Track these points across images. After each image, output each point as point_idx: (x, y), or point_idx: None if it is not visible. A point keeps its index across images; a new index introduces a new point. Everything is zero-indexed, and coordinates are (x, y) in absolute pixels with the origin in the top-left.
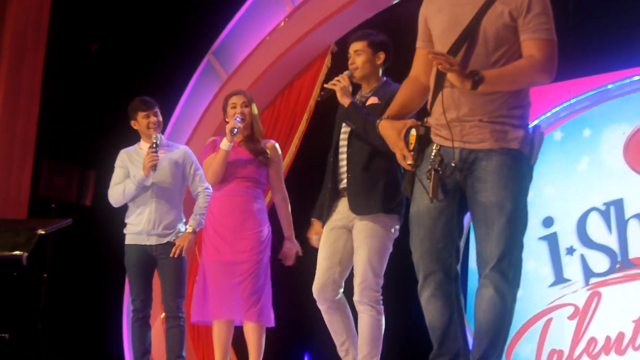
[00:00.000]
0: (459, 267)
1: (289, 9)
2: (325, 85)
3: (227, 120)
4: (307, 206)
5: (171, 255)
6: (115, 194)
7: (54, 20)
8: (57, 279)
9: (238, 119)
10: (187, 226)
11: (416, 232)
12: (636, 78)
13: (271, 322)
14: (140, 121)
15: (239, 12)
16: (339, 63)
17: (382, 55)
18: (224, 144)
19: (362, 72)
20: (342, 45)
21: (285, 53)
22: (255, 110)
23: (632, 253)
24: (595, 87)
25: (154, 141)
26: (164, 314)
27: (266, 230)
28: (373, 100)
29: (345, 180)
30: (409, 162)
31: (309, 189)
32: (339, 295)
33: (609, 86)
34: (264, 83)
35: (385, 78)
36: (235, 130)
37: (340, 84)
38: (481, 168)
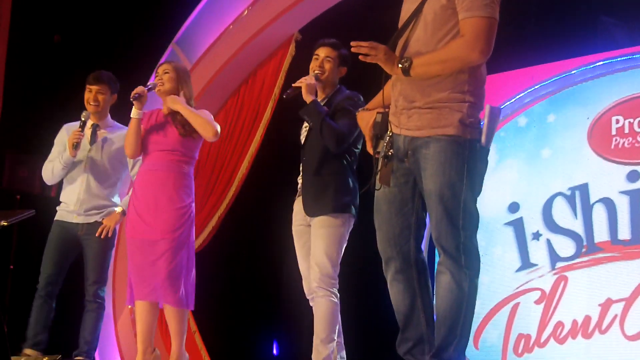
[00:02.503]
0: (424, 254)
1: None
2: (293, 85)
3: None
4: (272, 194)
5: (97, 234)
6: (46, 171)
7: (15, 11)
8: (23, 270)
9: (150, 86)
10: (117, 207)
11: (376, 218)
12: (600, 63)
13: (190, 305)
14: (85, 94)
15: (202, 0)
16: (303, 51)
17: (343, 71)
18: (133, 112)
19: (327, 78)
20: (306, 33)
21: (248, 42)
22: (186, 84)
23: (598, 237)
24: (559, 73)
25: (82, 119)
26: (129, 305)
27: (186, 208)
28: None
29: (300, 183)
30: (370, 148)
31: (275, 177)
32: None
33: (573, 72)
34: (228, 72)
35: (339, 86)
36: (137, 96)
37: (306, 81)
38: (422, 156)
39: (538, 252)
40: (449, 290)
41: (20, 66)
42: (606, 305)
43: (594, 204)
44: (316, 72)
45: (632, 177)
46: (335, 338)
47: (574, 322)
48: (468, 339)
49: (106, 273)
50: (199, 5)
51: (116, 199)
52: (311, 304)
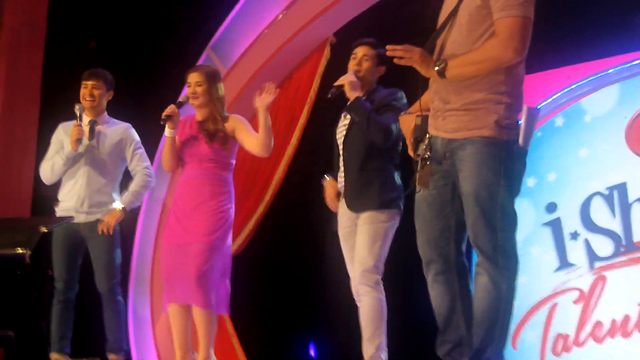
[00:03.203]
0: (464, 256)
1: (286, 2)
2: (335, 84)
3: None
4: (309, 198)
5: (99, 232)
6: (44, 170)
7: (51, 18)
8: None
9: (182, 102)
10: (117, 202)
11: (417, 220)
12: (636, 62)
13: (220, 309)
14: (80, 91)
15: (237, 6)
16: (338, 54)
17: (382, 70)
18: (166, 130)
19: (364, 77)
20: (341, 36)
21: (283, 46)
22: (217, 88)
23: (636, 236)
24: (596, 72)
25: (77, 113)
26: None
27: (223, 213)
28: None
29: (342, 182)
30: (412, 151)
31: (312, 181)
32: None
33: (610, 71)
34: (263, 76)
35: (376, 85)
36: (166, 118)
37: (349, 78)
38: (459, 158)
39: (576, 252)
40: (487, 292)
41: (56, 73)
42: None
43: (632, 203)
44: (354, 70)
45: None
46: (382, 336)
47: (613, 321)
48: (506, 340)
49: (117, 270)
50: (233, 10)
51: (116, 195)
52: (358, 304)
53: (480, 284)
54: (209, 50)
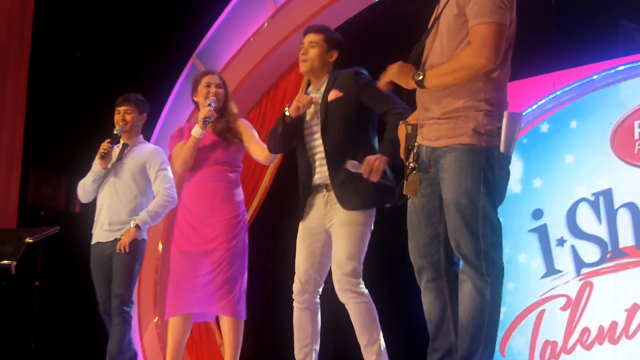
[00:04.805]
0: (455, 264)
1: (271, 10)
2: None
3: (195, 98)
4: (295, 207)
5: (117, 250)
6: (79, 188)
7: (36, 29)
8: (49, 286)
9: (212, 104)
10: (132, 220)
11: (408, 227)
12: (621, 68)
13: (242, 315)
14: (114, 117)
15: (222, 14)
16: None
17: (334, 54)
18: (196, 131)
19: (312, 65)
20: None
21: (269, 54)
22: (228, 91)
23: (623, 242)
24: (581, 79)
25: (115, 132)
26: (156, 318)
27: (240, 216)
28: (336, 94)
29: (320, 176)
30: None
31: (296, 191)
32: (317, 298)
33: (594, 77)
34: (249, 84)
35: (333, 69)
36: (209, 120)
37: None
38: (440, 166)
39: (563, 259)
40: (471, 299)
41: (42, 84)
42: (633, 310)
43: (618, 208)
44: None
45: None
46: (380, 338)
47: (601, 327)
48: (494, 347)
49: (132, 289)
50: (219, 18)
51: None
52: (297, 305)
53: (464, 291)
54: (195, 58)
